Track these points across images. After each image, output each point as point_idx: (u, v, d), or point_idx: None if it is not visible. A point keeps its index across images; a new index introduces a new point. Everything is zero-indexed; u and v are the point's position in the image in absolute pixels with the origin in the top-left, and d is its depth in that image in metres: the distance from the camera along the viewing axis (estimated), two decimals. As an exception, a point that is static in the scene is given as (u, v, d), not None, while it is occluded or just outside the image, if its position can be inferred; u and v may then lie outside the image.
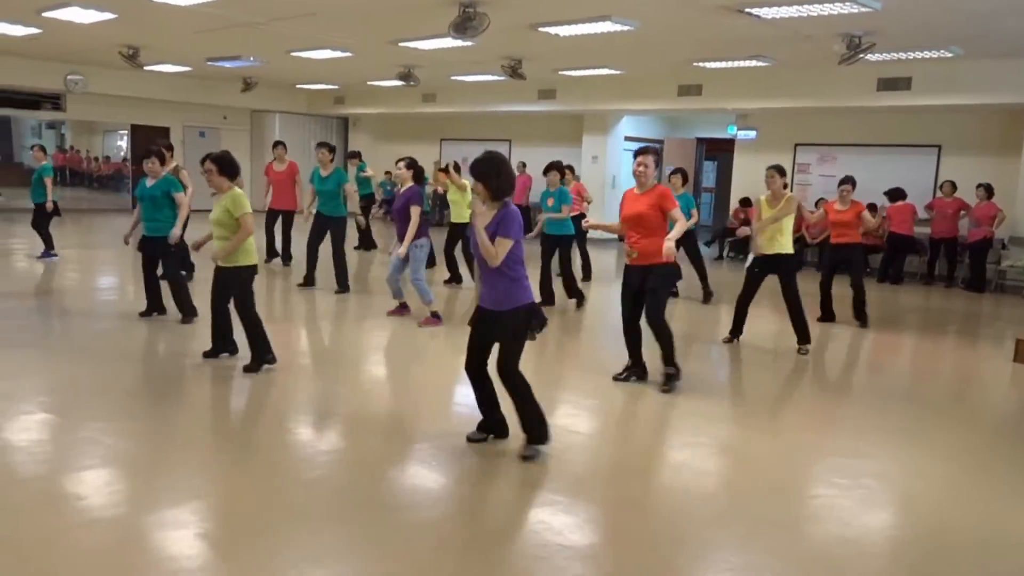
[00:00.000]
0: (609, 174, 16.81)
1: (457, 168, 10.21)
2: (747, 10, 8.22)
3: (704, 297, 9.95)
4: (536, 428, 4.37)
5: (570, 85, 15.25)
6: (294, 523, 3.52)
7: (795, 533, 3.70)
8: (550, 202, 8.92)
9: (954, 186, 12.42)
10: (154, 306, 7.41)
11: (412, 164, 7.85)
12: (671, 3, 8.32)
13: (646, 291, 5.67)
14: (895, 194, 12.63)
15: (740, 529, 3.70)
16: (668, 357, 5.76)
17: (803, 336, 7.31)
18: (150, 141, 18.97)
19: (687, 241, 9.47)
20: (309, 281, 9.47)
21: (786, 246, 7.22)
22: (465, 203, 9.64)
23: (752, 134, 15.03)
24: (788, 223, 7.21)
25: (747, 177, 15.17)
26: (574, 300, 9.11)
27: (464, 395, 5.20)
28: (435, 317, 7.81)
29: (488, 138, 19.14)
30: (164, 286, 7.40)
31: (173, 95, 18.15)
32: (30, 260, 10.81)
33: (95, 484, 3.88)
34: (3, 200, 18.71)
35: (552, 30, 9.74)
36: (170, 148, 9.12)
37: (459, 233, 10.04)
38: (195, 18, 10.08)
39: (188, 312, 7.26)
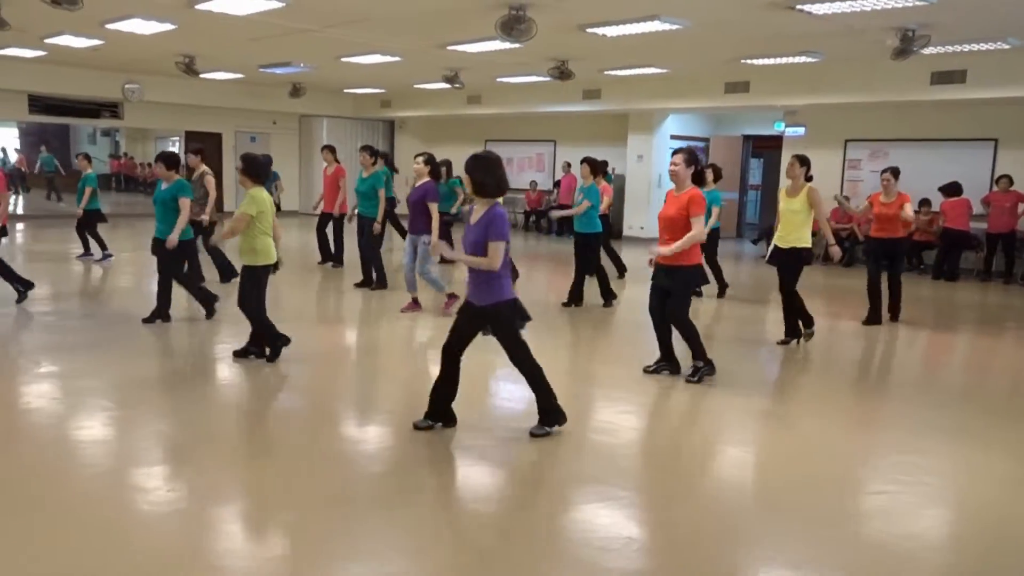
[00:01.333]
0: (655, 173, 16.77)
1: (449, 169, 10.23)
2: (798, 7, 8.18)
3: (719, 291, 10.04)
4: (549, 411, 4.63)
5: (615, 84, 15.26)
6: (359, 515, 3.65)
7: (852, 528, 3.71)
8: (579, 197, 8.94)
9: (1011, 180, 12.15)
10: (159, 313, 7.39)
11: (430, 160, 8.13)
12: (721, 2, 8.31)
13: (671, 292, 5.83)
14: (950, 189, 12.41)
15: (795, 524, 3.73)
16: (697, 352, 5.92)
17: (807, 321, 7.27)
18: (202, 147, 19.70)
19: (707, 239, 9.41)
20: (367, 282, 9.71)
21: (804, 239, 7.12)
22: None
23: (800, 131, 14.86)
24: (808, 217, 7.07)
25: (796, 174, 15.01)
26: (606, 299, 9.13)
27: (507, 388, 5.33)
28: (452, 297, 8.22)
29: (533, 139, 19.28)
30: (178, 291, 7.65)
31: (225, 101, 18.62)
32: (86, 263, 11.22)
33: (161, 476, 4.08)
34: (63, 206, 19.39)
35: (600, 31, 9.79)
36: (199, 152, 9.42)
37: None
38: (251, 27, 10.36)
39: (208, 307, 7.54)
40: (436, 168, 8.23)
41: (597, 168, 9.30)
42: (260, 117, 19.95)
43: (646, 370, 6.12)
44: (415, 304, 8.37)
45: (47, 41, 12.39)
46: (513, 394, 5.47)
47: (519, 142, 19.41)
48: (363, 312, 8.87)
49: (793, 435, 5.09)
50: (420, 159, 8.09)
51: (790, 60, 11.79)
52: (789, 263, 7.12)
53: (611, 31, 9.77)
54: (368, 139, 21.67)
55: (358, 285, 9.75)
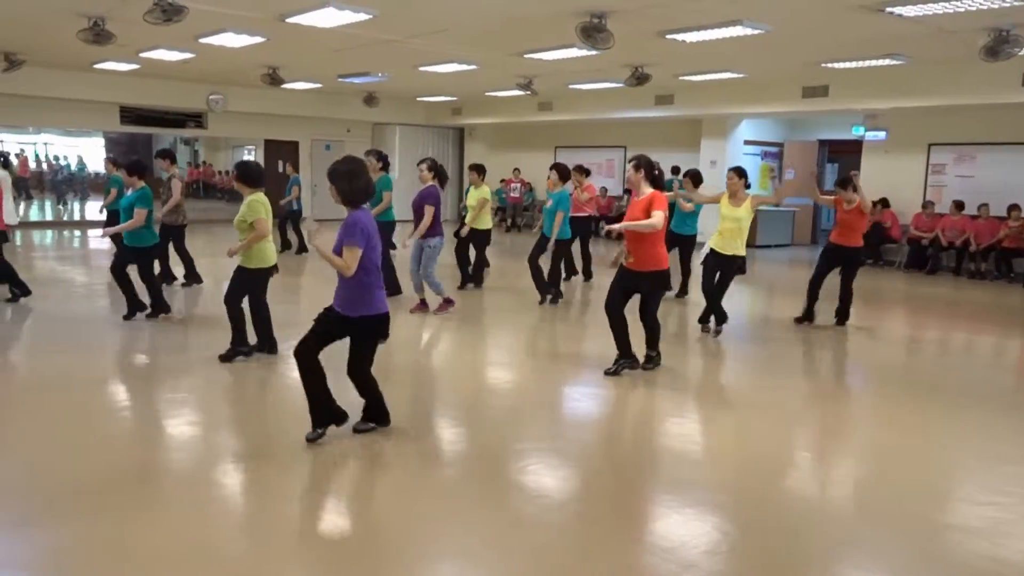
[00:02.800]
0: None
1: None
2: (888, 9, 8.04)
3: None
4: (381, 415, 4.72)
5: (689, 89, 15.18)
6: (437, 519, 3.76)
7: (940, 541, 3.64)
8: (548, 204, 9.27)
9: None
10: (135, 306, 7.72)
11: (433, 166, 8.28)
12: (806, 5, 8.22)
13: (642, 295, 6.14)
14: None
15: (891, 533, 3.69)
16: (653, 342, 6.32)
17: (719, 317, 7.79)
18: (281, 155, 20.33)
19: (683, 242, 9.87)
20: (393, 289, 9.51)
21: (740, 248, 7.59)
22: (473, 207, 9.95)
23: (882, 135, 14.53)
24: (747, 226, 7.59)
25: (876, 179, 14.67)
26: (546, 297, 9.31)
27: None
28: (447, 302, 8.46)
29: (603, 144, 19.30)
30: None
31: (302, 110, 19.15)
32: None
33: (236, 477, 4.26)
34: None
35: (680, 37, 9.78)
36: (167, 155, 9.59)
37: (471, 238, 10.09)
38: (336, 38, 10.67)
39: (157, 310, 7.78)
40: (440, 173, 8.35)
41: (565, 175, 9.51)
42: (335, 125, 20.46)
43: (607, 372, 6.20)
44: (423, 305, 8.48)
45: (142, 55, 12.99)
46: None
47: (589, 148, 19.44)
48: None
49: (896, 440, 5.02)
50: (423, 165, 8.26)
51: (873, 63, 11.56)
52: (728, 269, 7.61)
53: (691, 37, 9.75)
54: (439, 147, 22.04)
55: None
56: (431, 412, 5.48)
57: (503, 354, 7.29)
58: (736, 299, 10.72)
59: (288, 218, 13.52)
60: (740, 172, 7.73)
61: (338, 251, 4.33)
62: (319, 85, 16.85)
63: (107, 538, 3.40)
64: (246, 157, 27.36)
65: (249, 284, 6.23)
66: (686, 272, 10.09)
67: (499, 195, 20.50)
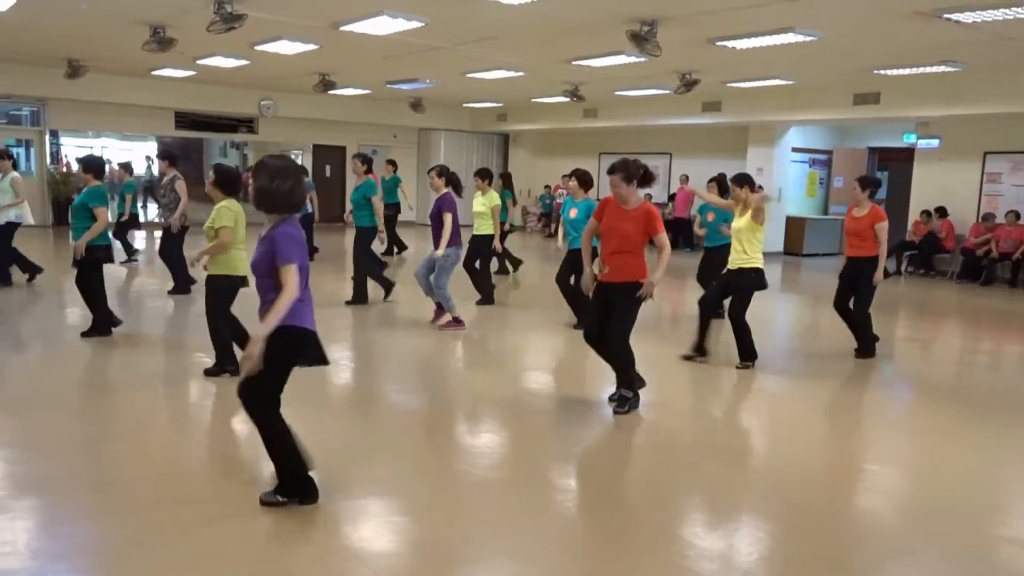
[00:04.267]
0: (775, 187, 16.44)
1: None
2: (945, 15, 7.93)
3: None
4: (285, 480, 3.72)
5: (736, 96, 15.08)
6: (473, 518, 3.81)
7: (996, 554, 3.61)
8: (573, 214, 8.11)
9: None
10: (97, 326, 7.12)
11: (443, 172, 8.04)
12: (861, 12, 8.15)
13: (614, 312, 5.28)
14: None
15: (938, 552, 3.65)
16: (623, 378, 5.40)
17: (747, 354, 6.75)
18: (328, 160, 20.65)
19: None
20: (359, 299, 9.20)
21: (749, 261, 6.64)
22: (486, 212, 9.53)
23: (935, 142, 14.26)
24: (749, 237, 6.61)
25: (929, 188, 14.44)
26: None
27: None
28: (457, 321, 7.94)
29: (648, 151, 19.21)
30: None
31: (350, 116, 19.46)
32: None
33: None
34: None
35: (730, 44, 9.75)
36: (168, 156, 9.46)
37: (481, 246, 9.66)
38: (388, 45, 10.86)
39: (98, 329, 7.09)
40: (453, 180, 8.07)
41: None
42: (382, 131, 20.73)
43: (616, 412, 5.40)
44: (441, 310, 8.07)
45: (199, 62, 13.35)
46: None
47: (634, 155, 19.33)
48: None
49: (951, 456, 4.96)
50: (433, 172, 8.04)
51: (927, 70, 11.38)
52: (734, 284, 6.78)
53: (742, 44, 9.72)
54: (484, 152, 22.19)
55: (349, 303, 9.04)
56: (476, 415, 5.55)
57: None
58: (782, 306, 10.67)
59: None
60: (740, 180, 6.85)
61: (263, 268, 3.60)
62: (368, 91, 17.11)
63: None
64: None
65: (211, 293, 5.88)
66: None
67: (542, 200, 20.60)
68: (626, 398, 5.38)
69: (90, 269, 6.98)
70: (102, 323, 7.12)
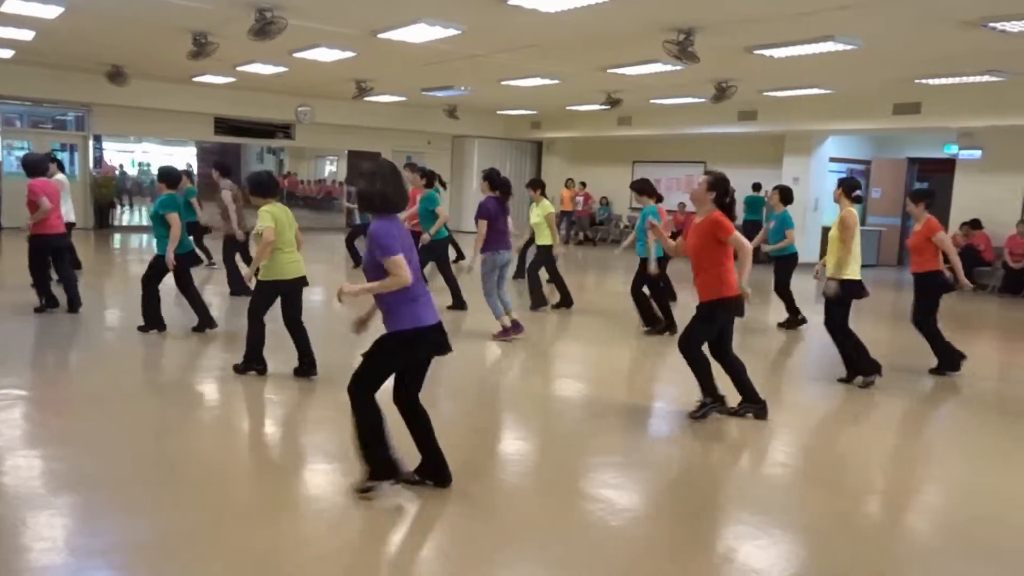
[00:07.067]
0: (811, 197, 16.23)
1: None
2: (990, 24, 7.78)
3: (788, 322, 9.22)
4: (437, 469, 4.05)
5: (772, 105, 14.94)
6: (498, 537, 3.80)
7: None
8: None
9: None
10: (153, 323, 7.51)
11: (487, 175, 7.95)
12: (903, 20, 8.03)
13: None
14: None
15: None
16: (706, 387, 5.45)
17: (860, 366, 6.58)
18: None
19: (781, 265, 9.19)
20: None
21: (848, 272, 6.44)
22: (542, 223, 9.37)
23: (977, 154, 14.00)
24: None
25: (970, 199, 14.16)
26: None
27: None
28: (505, 332, 7.77)
29: (682, 160, 19.14)
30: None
31: (385, 122, 19.61)
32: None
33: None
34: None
35: (768, 52, 9.66)
36: (220, 167, 9.60)
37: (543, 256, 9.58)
38: (425, 53, 10.94)
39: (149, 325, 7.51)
40: (497, 183, 7.86)
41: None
42: (416, 137, 20.87)
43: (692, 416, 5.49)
44: (512, 328, 7.85)
45: (239, 69, 13.57)
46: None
47: (667, 163, 19.31)
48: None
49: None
50: (482, 176, 8.01)
51: (970, 79, 11.17)
52: None
53: (780, 52, 9.63)
54: (517, 160, 22.24)
55: (451, 307, 9.22)
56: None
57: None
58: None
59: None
60: (840, 183, 6.68)
61: (371, 268, 3.80)
62: (403, 98, 17.26)
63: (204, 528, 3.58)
64: (329, 167, 28.41)
65: (254, 296, 6.01)
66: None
67: (603, 211, 20.60)
68: (703, 404, 5.46)
69: (179, 273, 7.40)
70: (203, 320, 7.56)
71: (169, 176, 7.57)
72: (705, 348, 5.45)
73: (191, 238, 7.98)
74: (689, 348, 5.37)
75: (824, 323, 6.66)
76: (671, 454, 5.05)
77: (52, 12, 9.49)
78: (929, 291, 6.95)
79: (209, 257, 11.94)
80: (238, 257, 9.77)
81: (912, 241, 7.02)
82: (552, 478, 4.45)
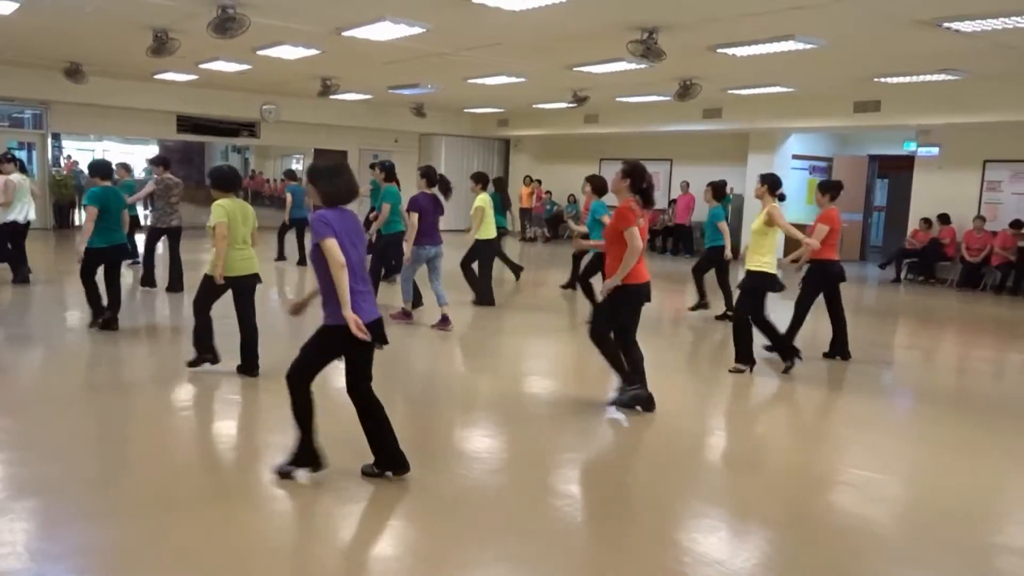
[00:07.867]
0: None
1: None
2: (945, 24, 7.96)
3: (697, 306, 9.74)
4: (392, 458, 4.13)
5: (737, 103, 15.11)
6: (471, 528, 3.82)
7: (995, 563, 3.61)
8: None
9: None
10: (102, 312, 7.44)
11: (424, 172, 8.30)
12: (862, 20, 8.17)
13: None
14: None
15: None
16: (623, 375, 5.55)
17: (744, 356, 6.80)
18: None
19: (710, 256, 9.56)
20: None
21: (756, 264, 6.70)
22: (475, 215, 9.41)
23: (934, 151, 14.31)
24: (760, 240, 6.72)
25: (928, 196, 14.47)
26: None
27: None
28: (405, 315, 8.40)
29: (649, 157, 19.23)
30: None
31: (351, 120, 19.46)
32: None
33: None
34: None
35: (731, 51, 9.78)
36: (160, 162, 9.87)
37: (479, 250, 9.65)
38: (390, 51, 10.88)
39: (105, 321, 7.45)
40: (433, 179, 8.28)
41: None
42: (383, 136, 20.75)
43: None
44: (443, 320, 8.16)
45: (201, 66, 13.38)
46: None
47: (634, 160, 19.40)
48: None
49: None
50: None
51: (928, 78, 11.41)
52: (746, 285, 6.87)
53: (742, 51, 9.75)
54: (485, 157, 22.22)
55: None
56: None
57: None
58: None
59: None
60: (764, 179, 6.98)
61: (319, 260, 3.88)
62: (370, 96, 17.15)
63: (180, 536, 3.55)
64: (295, 166, 28.13)
65: (205, 289, 5.93)
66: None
67: (570, 208, 20.62)
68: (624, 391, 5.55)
69: (109, 266, 7.35)
70: (100, 316, 7.41)
71: (98, 168, 7.54)
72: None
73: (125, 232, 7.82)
74: (593, 335, 5.49)
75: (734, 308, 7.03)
76: (628, 445, 5.10)
77: (7, 8, 9.28)
78: (817, 282, 7.30)
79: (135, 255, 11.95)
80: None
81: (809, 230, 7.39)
82: (515, 474, 4.48)
